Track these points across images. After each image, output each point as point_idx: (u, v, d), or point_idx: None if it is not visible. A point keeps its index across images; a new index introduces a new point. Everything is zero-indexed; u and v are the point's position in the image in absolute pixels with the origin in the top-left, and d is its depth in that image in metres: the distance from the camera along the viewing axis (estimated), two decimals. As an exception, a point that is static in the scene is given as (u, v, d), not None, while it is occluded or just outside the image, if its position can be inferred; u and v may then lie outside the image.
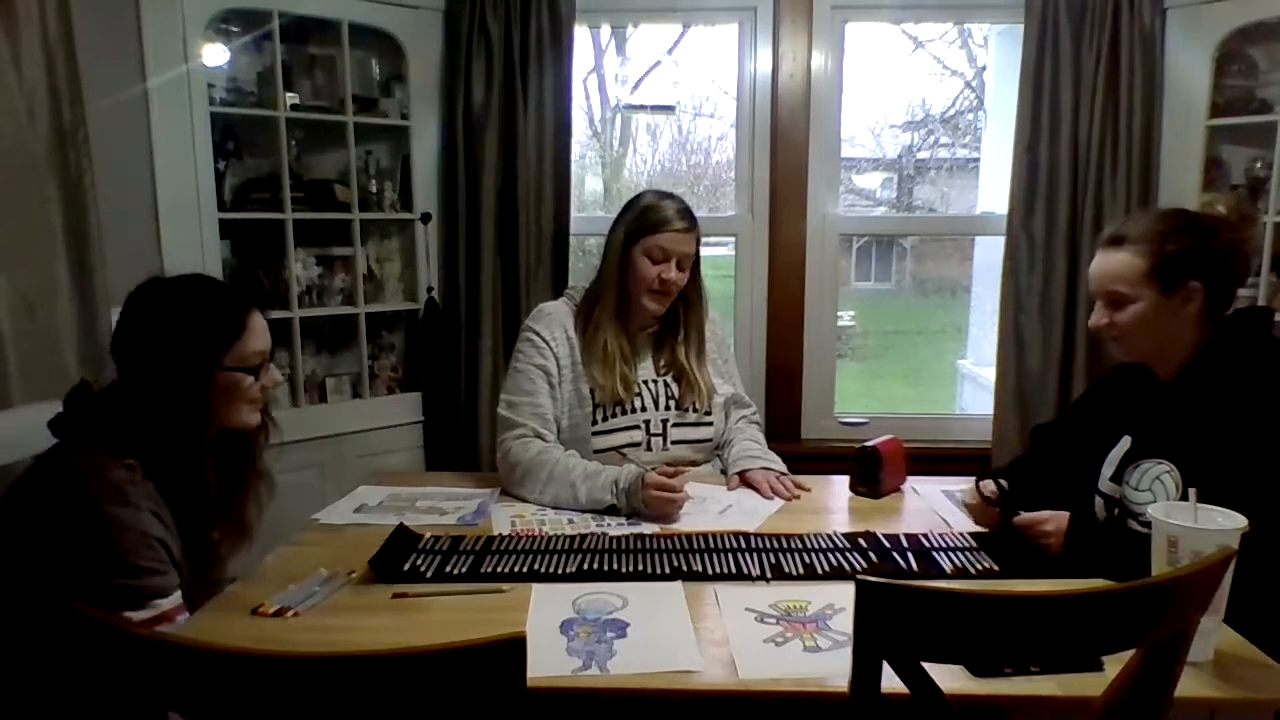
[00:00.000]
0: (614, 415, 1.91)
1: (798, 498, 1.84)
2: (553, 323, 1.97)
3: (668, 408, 1.96)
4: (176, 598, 1.35)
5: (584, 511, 1.76)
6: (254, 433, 1.55)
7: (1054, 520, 1.51)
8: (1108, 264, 1.53)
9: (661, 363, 2.00)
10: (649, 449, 1.92)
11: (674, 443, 1.95)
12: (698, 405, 1.97)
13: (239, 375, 1.44)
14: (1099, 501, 1.61)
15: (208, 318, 1.42)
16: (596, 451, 1.89)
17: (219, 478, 1.47)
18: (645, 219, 1.93)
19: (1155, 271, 1.49)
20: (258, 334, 1.46)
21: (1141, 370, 1.59)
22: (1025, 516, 1.55)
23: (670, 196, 1.97)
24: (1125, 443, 1.58)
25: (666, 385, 1.98)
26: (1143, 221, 1.53)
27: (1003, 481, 1.68)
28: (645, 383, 1.97)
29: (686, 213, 1.94)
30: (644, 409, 1.94)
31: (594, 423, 1.90)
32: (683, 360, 1.98)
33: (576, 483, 1.77)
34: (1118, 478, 1.57)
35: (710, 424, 1.99)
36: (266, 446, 1.59)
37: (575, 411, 1.92)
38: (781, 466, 1.96)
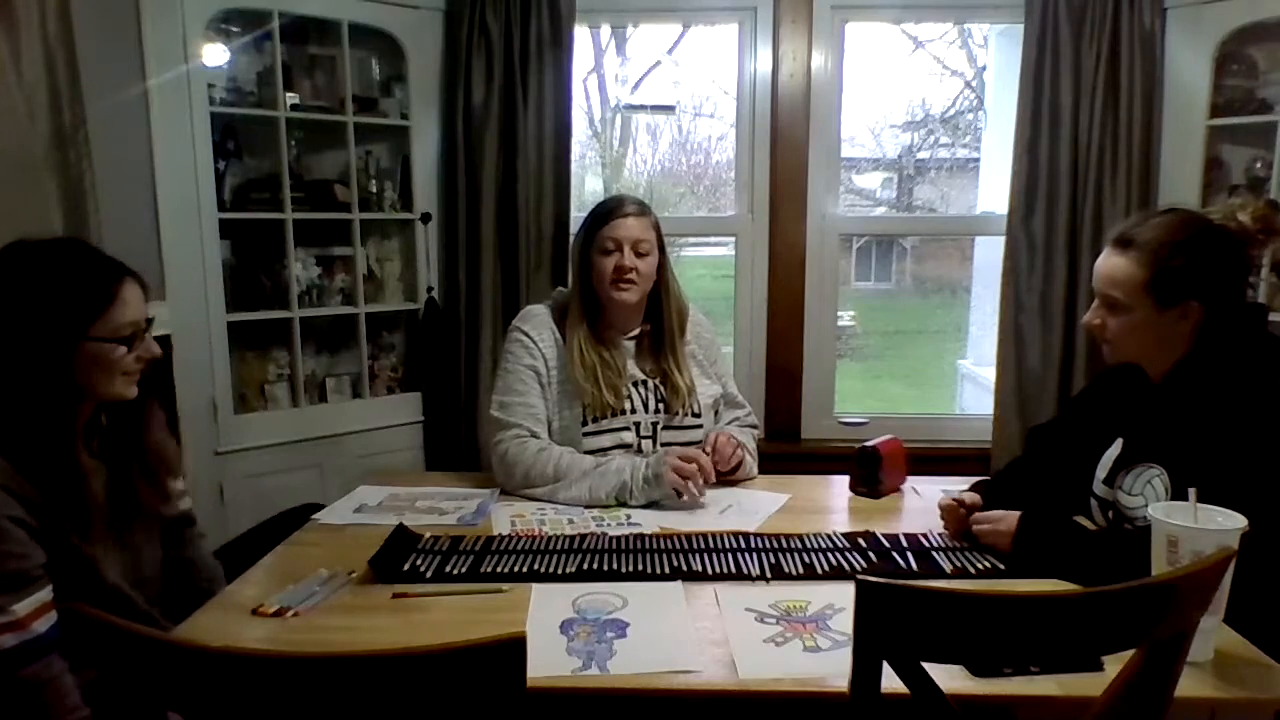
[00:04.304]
0: (604, 417, 1.91)
1: (721, 470, 1.87)
2: (540, 324, 1.97)
3: (657, 410, 1.96)
4: (38, 598, 1.27)
5: (589, 508, 1.77)
6: (145, 407, 1.48)
7: (1005, 520, 1.50)
8: (1109, 266, 1.49)
9: (647, 367, 1.99)
10: (639, 451, 1.92)
11: (664, 444, 1.95)
12: (682, 407, 1.96)
13: (109, 346, 1.36)
14: (1093, 504, 1.61)
15: (76, 284, 1.34)
16: (587, 452, 1.89)
17: (105, 455, 1.43)
18: (596, 215, 1.95)
19: (1153, 285, 1.44)
20: (131, 305, 1.38)
21: (1136, 371, 1.58)
22: (979, 515, 1.55)
23: (621, 194, 2.02)
24: (1117, 445, 1.57)
25: (656, 388, 1.98)
26: (1154, 226, 1.46)
27: (962, 497, 1.63)
28: (635, 385, 1.97)
29: (636, 201, 1.96)
30: (633, 411, 1.94)
31: (584, 424, 1.90)
32: (663, 363, 1.98)
33: (581, 480, 1.79)
34: (1110, 480, 1.56)
35: (700, 426, 1.99)
36: (156, 419, 1.52)
37: (565, 413, 1.92)
38: (748, 444, 1.99)
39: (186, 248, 2.51)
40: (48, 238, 1.41)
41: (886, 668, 0.93)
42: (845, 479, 1.92)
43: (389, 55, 2.93)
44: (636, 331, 2.01)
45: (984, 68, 4.52)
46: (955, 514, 1.59)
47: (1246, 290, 1.51)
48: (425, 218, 2.94)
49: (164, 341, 1.57)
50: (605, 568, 1.45)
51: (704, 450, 1.88)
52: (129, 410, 1.47)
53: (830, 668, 1.15)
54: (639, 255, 1.91)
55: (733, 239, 3.10)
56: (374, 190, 2.94)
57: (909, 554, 1.52)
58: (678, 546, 1.55)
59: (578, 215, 3.00)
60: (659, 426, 1.95)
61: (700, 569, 1.46)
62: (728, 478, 1.92)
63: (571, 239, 2.06)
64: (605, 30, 4.50)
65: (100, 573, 1.40)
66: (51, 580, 1.31)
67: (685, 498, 1.74)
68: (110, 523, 1.42)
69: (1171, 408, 1.48)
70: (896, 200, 6.71)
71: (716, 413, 2.07)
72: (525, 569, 1.45)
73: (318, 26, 2.83)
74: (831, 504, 1.87)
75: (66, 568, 1.34)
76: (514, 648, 0.82)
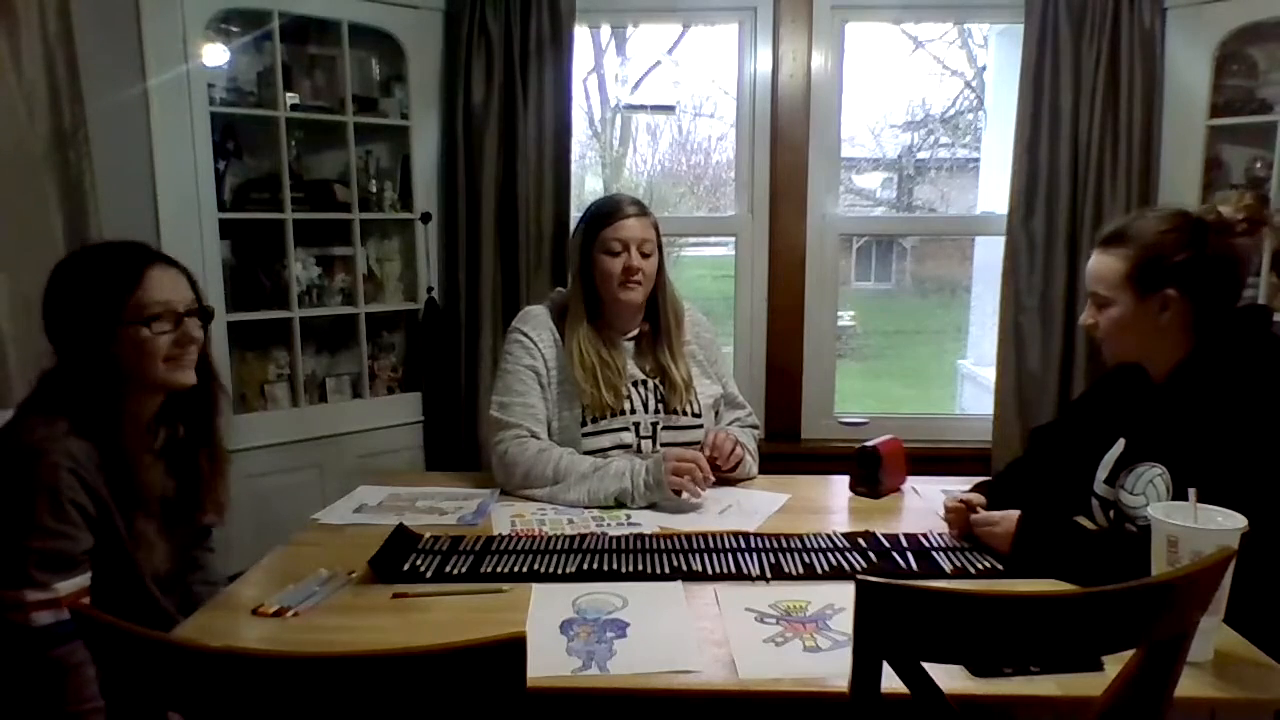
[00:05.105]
0: (604, 417, 1.91)
1: (722, 467, 1.87)
2: (539, 324, 1.97)
3: (657, 410, 1.96)
4: (78, 581, 1.32)
5: (588, 508, 1.77)
6: (212, 403, 1.53)
7: (1004, 520, 1.50)
8: (1095, 264, 1.53)
9: (647, 367, 2.00)
10: (639, 451, 1.92)
11: (664, 444, 1.95)
12: (680, 406, 1.96)
13: (141, 328, 1.39)
14: (1094, 504, 1.61)
15: (103, 273, 1.40)
16: (587, 453, 1.88)
17: (169, 451, 1.48)
18: (597, 215, 1.95)
19: (1133, 276, 1.47)
20: (157, 287, 1.41)
21: (1138, 371, 1.59)
22: (979, 516, 1.55)
23: (619, 194, 2.03)
24: (1119, 445, 1.58)
25: (656, 388, 1.98)
26: (1136, 222, 1.51)
27: (968, 498, 1.63)
28: (635, 384, 1.97)
29: (636, 201, 1.97)
30: (633, 411, 1.94)
31: (583, 424, 1.91)
32: (661, 360, 1.98)
33: (580, 482, 1.79)
34: (1112, 480, 1.56)
35: (700, 426, 1.98)
36: (219, 414, 1.55)
37: (565, 414, 1.92)
38: (748, 444, 1.99)
39: (186, 248, 2.50)
40: (110, 241, 1.48)
41: (886, 668, 0.93)
42: (845, 479, 1.92)
43: (389, 55, 2.93)
44: (636, 331, 2.01)
45: (984, 68, 4.53)
46: (961, 516, 1.58)
47: (1236, 284, 1.51)
48: (425, 218, 2.94)
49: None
50: (605, 568, 1.45)
51: (702, 449, 1.88)
52: (194, 405, 1.51)
53: (830, 668, 1.15)
54: (643, 255, 1.91)
55: (733, 239, 3.10)
56: (374, 190, 2.94)
57: (909, 554, 1.52)
58: (678, 546, 1.55)
59: (578, 215, 3.00)
60: (659, 427, 1.95)
61: (700, 569, 1.46)
62: (728, 476, 1.92)
63: (569, 240, 2.06)
64: (605, 30, 4.50)
65: (138, 571, 1.42)
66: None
67: (686, 496, 1.75)
68: (159, 520, 1.46)
69: (1173, 407, 1.49)
70: (896, 200, 6.72)
71: (717, 413, 2.07)
72: (525, 569, 1.45)
73: (318, 26, 2.83)
74: (831, 504, 1.87)
75: (107, 561, 1.37)
76: (514, 648, 0.82)
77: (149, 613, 1.44)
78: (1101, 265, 1.52)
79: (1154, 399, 1.54)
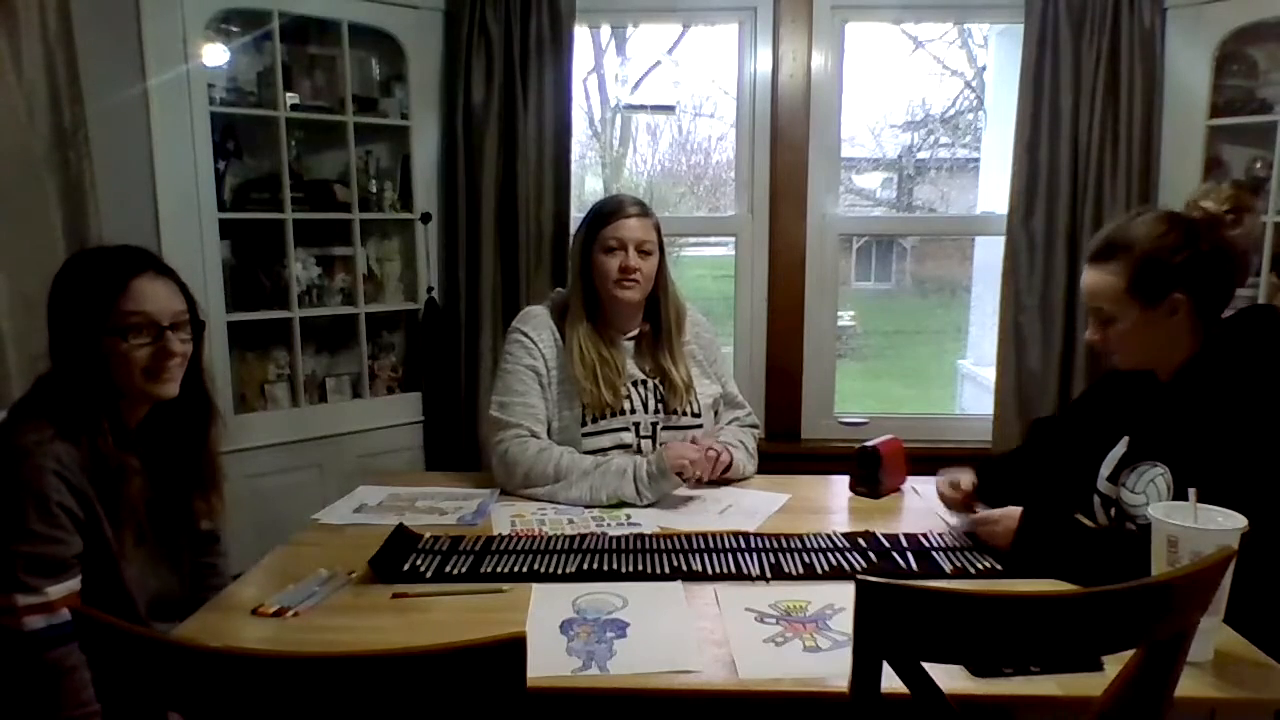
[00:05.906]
0: (604, 417, 1.91)
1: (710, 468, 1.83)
2: (540, 324, 1.97)
3: (657, 410, 1.96)
4: (69, 585, 1.32)
5: (588, 508, 1.77)
6: (207, 416, 1.53)
7: (1004, 518, 1.50)
8: (1090, 282, 1.52)
9: (647, 367, 2.00)
10: (639, 451, 1.92)
11: (664, 445, 1.95)
12: (680, 407, 1.96)
13: (119, 340, 1.38)
14: (1096, 501, 1.61)
15: (88, 283, 1.39)
16: (587, 453, 1.88)
17: (152, 460, 1.47)
18: (598, 214, 1.96)
19: (1133, 288, 1.46)
20: (140, 297, 1.39)
21: (1144, 371, 1.59)
22: (979, 515, 1.55)
23: (622, 194, 2.03)
24: (1123, 444, 1.58)
25: (656, 388, 1.98)
26: (1124, 231, 1.49)
27: (960, 481, 1.65)
28: (634, 384, 1.97)
29: (638, 201, 1.97)
30: (633, 410, 1.94)
31: (583, 424, 1.91)
32: (662, 362, 1.98)
33: (582, 480, 1.79)
34: (1114, 478, 1.56)
35: (699, 425, 1.98)
36: (210, 427, 1.55)
37: (565, 413, 1.92)
38: (748, 443, 2.00)
39: (186, 248, 2.50)
40: (108, 246, 1.47)
41: (886, 668, 0.93)
42: (845, 479, 1.92)
43: (389, 55, 2.94)
44: (636, 331, 2.01)
45: (984, 68, 4.53)
46: (958, 498, 1.59)
47: (1233, 275, 1.50)
48: (425, 218, 2.94)
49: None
50: (605, 568, 1.45)
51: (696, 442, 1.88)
52: (183, 416, 1.50)
53: (830, 668, 1.15)
54: (642, 255, 1.91)
55: (733, 239, 3.10)
56: (374, 190, 2.94)
57: (909, 554, 1.52)
58: (678, 546, 1.55)
59: (577, 215, 3.00)
60: (658, 426, 1.95)
61: (700, 569, 1.46)
62: (723, 477, 1.92)
63: (571, 239, 2.06)
64: (605, 30, 4.50)
65: (120, 577, 1.42)
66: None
67: (690, 477, 1.76)
68: (142, 527, 1.44)
69: (1178, 407, 1.49)
70: (896, 200, 6.72)
71: (716, 413, 2.07)
72: (525, 569, 1.45)
73: (318, 26, 2.83)
74: (831, 504, 1.87)
75: (90, 565, 1.37)
76: (514, 648, 0.82)
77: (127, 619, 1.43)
78: (1098, 282, 1.50)
79: (1160, 398, 1.54)
